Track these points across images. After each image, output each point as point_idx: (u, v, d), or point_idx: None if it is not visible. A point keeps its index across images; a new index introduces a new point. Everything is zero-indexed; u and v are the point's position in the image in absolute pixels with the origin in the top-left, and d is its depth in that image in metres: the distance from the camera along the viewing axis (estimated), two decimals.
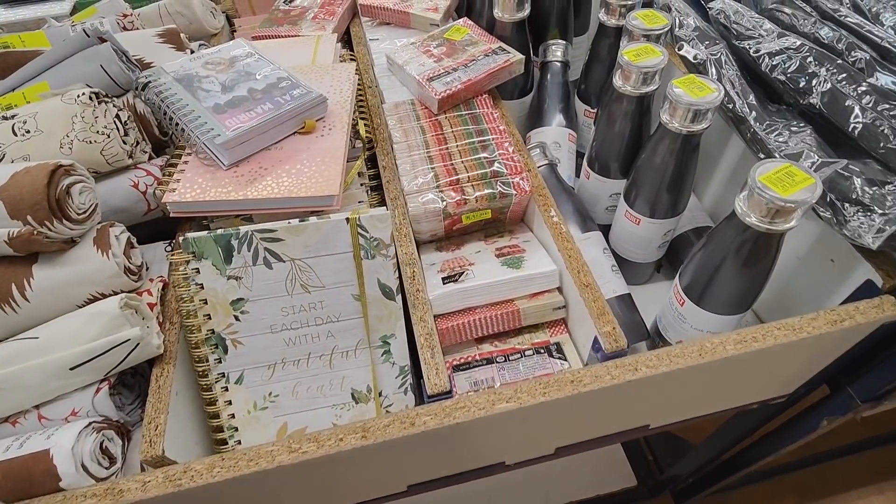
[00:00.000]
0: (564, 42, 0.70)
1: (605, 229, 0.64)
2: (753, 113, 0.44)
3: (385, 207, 0.45)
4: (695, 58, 0.50)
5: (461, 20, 0.66)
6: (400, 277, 0.46)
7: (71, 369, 0.40)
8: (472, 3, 0.74)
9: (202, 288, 0.40)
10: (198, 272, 0.40)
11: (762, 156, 0.44)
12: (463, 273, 0.50)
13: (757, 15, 0.49)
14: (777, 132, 0.43)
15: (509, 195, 0.51)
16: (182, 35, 0.64)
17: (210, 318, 0.40)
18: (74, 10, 0.84)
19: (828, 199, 0.39)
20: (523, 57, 0.60)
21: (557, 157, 0.66)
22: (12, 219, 0.39)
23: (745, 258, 0.41)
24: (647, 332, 0.54)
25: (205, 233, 0.40)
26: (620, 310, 0.54)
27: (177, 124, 0.49)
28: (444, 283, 0.49)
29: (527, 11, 0.63)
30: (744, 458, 0.77)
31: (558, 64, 0.69)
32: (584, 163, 0.61)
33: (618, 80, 0.51)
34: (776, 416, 0.64)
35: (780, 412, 0.63)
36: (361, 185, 0.56)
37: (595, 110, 0.68)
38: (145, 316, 0.44)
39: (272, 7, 0.80)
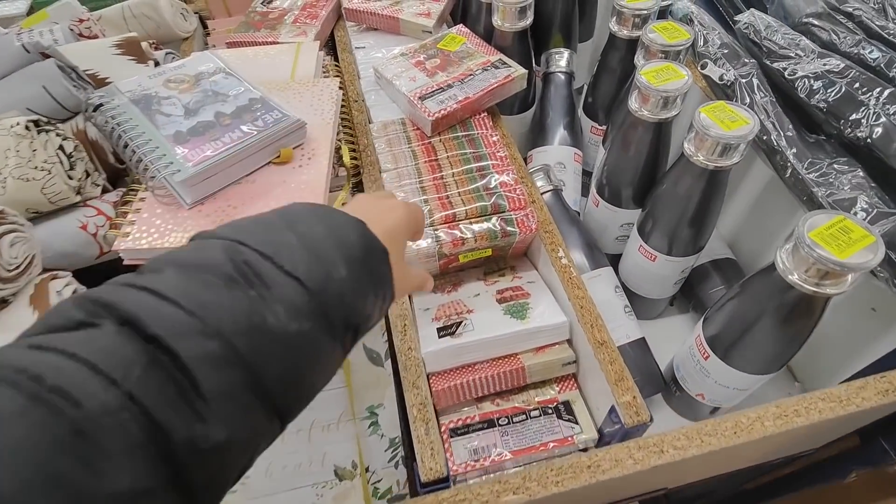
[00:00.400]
0: (569, 51, 0.64)
1: (614, 258, 0.59)
2: (793, 149, 0.38)
3: None
4: (721, 78, 0.44)
5: (456, 28, 0.60)
6: (389, 333, 0.40)
7: None
8: (467, 7, 0.68)
9: None
10: None
11: (803, 197, 0.39)
12: (460, 324, 0.45)
13: (792, 31, 0.43)
14: (820, 171, 0.37)
15: (512, 234, 0.45)
16: (144, 44, 0.57)
17: None
18: (32, 11, 0.76)
19: (885, 256, 0.34)
20: (526, 72, 0.54)
21: (562, 179, 0.60)
22: None
23: (784, 318, 0.36)
24: (663, 381, 0.49)
25: None
26: (635, 357, 0.49)
27: (132, 154, 0.42)
28: (439, 337, 0.43)
29: (529, 20, 0.56)
30: (760, 492, 0.73)
31: (562, 75, 0.63)
32: (593, 188, 0.55)
33: (634, 104, 0.45)
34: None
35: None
36: None
37: (603, 127, 0.62)
38: None
39: (249, 8, 0.73)
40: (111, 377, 0.17)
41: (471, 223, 0.45)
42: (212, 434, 0.18)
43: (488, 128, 0.54)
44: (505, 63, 0.55)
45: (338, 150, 0.51)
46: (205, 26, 0.79)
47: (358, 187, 0.54)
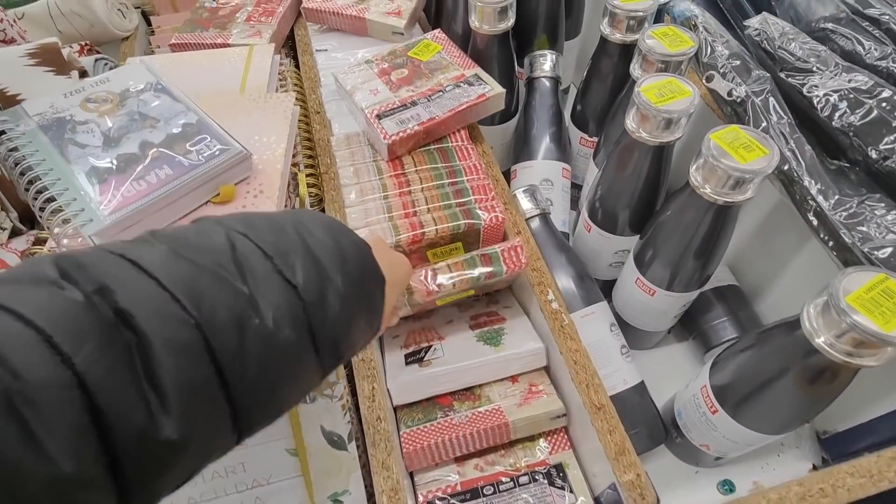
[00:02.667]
0: (554, 53, 0.58)
1: (607, 284, 0.54)
2: (817, 183, 0.33)
3: None
4: (729, 94, 0.39)
5: (432, 33, 0.53)
6: (357, 408, 0.35)
7: None
8: (442, 3, 0.61)
9: None
10: None
11: (828, 241, 0.34)
12: (429, 348, 0.40)
13: (810, 40, 0.38)
14: (850, 211, 0.32)
15: (498, 272, 0.40)
16: (67, 50, 0.50)
17: None
18: None
19: None
20: (503, 91, 0.47)
21: (549, 198, 0.55)
22: None
23: (807, 382, 0.32)
24: (664, 432, 0.44)
25: None
26: (633, 406, 0.44)
27: (35, 196, 0.35)
28: (406, 363, 0.38)
29: (510, 22, 0.50)
30: None
31: (547, 81, 0.57)
32: (584, 212, 0.50)
33: (632, 124, 0.39)
34: None
35: None
36: None
37: (594, 139, 0.56)
38: None
39: (196, 4, 0.65)
40: (60, 349, 0.15)
41: (450, 269, 0.40)
42: (162, 429, 0.16)
43: (464, 139, 0.48)
44: (480, 79, 0.48)
45: (294, 176, 0.44)
46: (149, 23, 0.71)
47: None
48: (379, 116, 0.45)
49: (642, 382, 0.45)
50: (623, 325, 0.51)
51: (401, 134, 0.44)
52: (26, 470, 0.14)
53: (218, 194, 0.37)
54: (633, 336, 0.51)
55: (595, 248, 0.50)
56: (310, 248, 0.22)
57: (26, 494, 0.14)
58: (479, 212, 0.41)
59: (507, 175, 0.59)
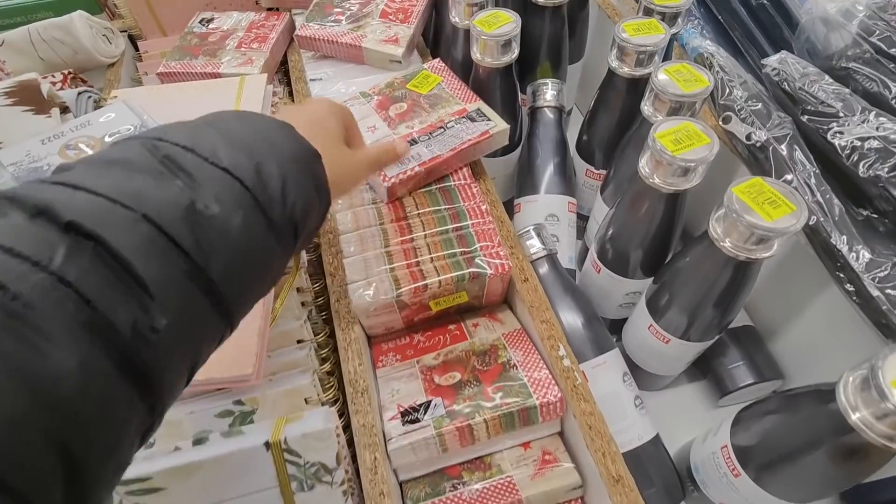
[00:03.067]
0: (559, 82, 0.55)
1: (615, 323, 0.52)
2: (848, 241, 0.31)
3: (326, 410, 0.30)
4: (748, 138, 0.37)
5: (431, 63, 0.51)
6: (354, 462, 0.32)
7: None
8: (440, 29, 0.59)
9: None
10: None
11: (856, 299, 0.32)
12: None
13: (833, 81, 0.36)
14: (885, 272, 0.30)
15: (482, 275, 0.38)
16: (47, 84, 0.47)
17: None
18: None
19: None
20: (507, 127, 0.45)
21: (555, 234, 0.53)
22: None
23: (840, 459, 0.29)
24: (682, 490, 0.42)
25: None
26: (649, 463, 0.42)
27: None
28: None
29: (514, 55, 0.48)
30: None
31: (550, 112, 0.55)
32: (593, 252, 0.47)
33: (645, 169, 0.37)
34: None
35: None
36: (303, 304, 0.41)
37: (601, 172, 0.54)
38: None
39: (185, 28, 0.63)
40: (33, 259, 0.15)
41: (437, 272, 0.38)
42: (155, 320, 0.17)
43: (467, 177, 0.46)
44: (484, 115, 0.46)
45: None
46: (136, 47, 0.68)
47: (317, 266, 0.45)
48: None
49: (657, 436, 0.43)
50: (632, 365, 0.49)
51: (401, 176, 0.42)
52: (36, 368, 0.14)
53: None
54: (643, 377, 0.49)
55: (605, 289, 0.48)
56: (230, 135, 0.22)
57: (51, 396, 0.14)
58: (484, 262, 0.39)
59: (510, 206, 0.57)
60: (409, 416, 0.36)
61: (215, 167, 0.20)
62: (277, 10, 0.63)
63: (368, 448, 0.34)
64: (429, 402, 0.37)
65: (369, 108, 0.47)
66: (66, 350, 0.15)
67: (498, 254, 0.40)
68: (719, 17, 0.52)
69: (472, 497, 0.35)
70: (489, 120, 0.45)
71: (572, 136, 0.57)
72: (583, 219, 0.59)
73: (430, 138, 0.44)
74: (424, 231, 0.42)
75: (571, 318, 0.45)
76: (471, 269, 0.39)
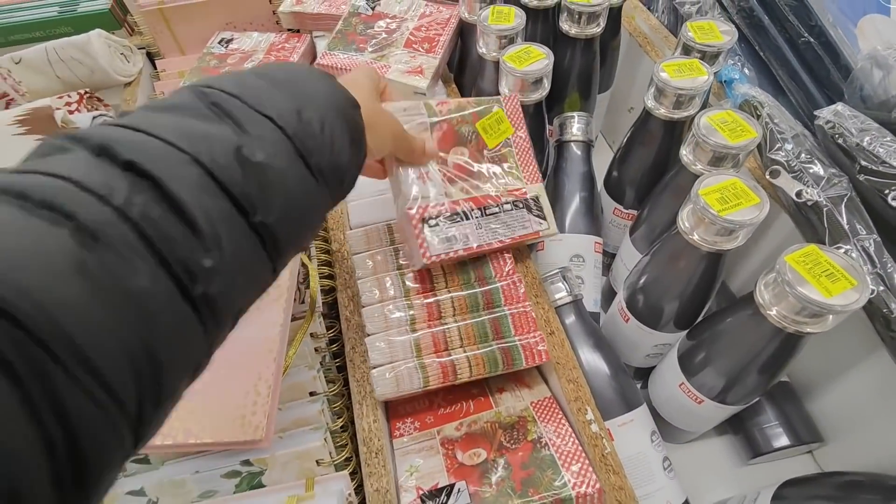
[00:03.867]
0: (587, 115, 0.53)
1: (639, 371, 0.49)
2: None
3: (344, 477, 0.28)
4: (799, 195, 0.34)
5: (508, 103, 0.44)
6: None
7: None
8: (465, 57, 0.57)
9: None
10: None
11: None
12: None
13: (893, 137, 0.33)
14: None
15: (517, 363, 0.36)
16: (59, 113, 0.46)
17: None
18: None
19: None
20: (556, 231, 0.42)
21: (580, 276, 0.50)
22: None
23: None
24: None
25: None
26: None
27: None
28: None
29: (545, 91, 0.46)
30: None
31: (577, 147, 0.53)
32: (622, 300, 0.45)
33: (685, 224, 0.35)
34: None
35: None
36: (317, 350, 0.39)
37: (630, 212, 0.52)
38: None
39: (204, 49, 0.61)
40: (98, 193, 0.16)
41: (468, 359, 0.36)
42: (207, 257, 0.18)
43: (503, 260, 0.42)
44: (540, 207, 0.42)
45: (305, 278, 0.40)
46: (154, 65, 0.67)
47: (332, 316, 0.43)
48: (424, 220, 0.38)
49: (686, 501, 0.41)
50: (657, 417, 0.46)
51: (442, 256, 0.38)
52: (111, 282, 0.16)
53: None
54: (668, 429, 0.47)
55: (632, 339, 0.46)
56: (274, 83, 0.23)
57: (141, 308, 0.16)
58: (521, 352, 0.37)
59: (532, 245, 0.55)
60: (432, 501, 0.33)
61: (259, 114, 0.21)
62: (298, 31, 0.62)
63: None
64: (452, 487, 0.34)
65: (431, 135, 0.41)
66: (136, 272, 0.16)
67: (536, 344, 0.37)
68: (762, 55, 0.49)
69: None
70: (543, 219, 0.41)
71: (598, 167, 0.54)
72: (608, 256, 0.57)
73: (482, 218, 0.40)
74: (454, 313, 0.38)
75: (598, 372, 0.43)
76: (505, 362, 0.36)
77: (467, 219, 0.39)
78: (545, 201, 0.42)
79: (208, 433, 0.30)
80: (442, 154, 0.41)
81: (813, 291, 0.28)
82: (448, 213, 0.39)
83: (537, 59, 0.44)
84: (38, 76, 0.57)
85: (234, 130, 0.20)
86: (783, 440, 0.44)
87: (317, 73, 0.26)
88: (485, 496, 0.32)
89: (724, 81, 0.44)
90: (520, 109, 0.44)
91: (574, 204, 0.52)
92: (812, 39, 0.46)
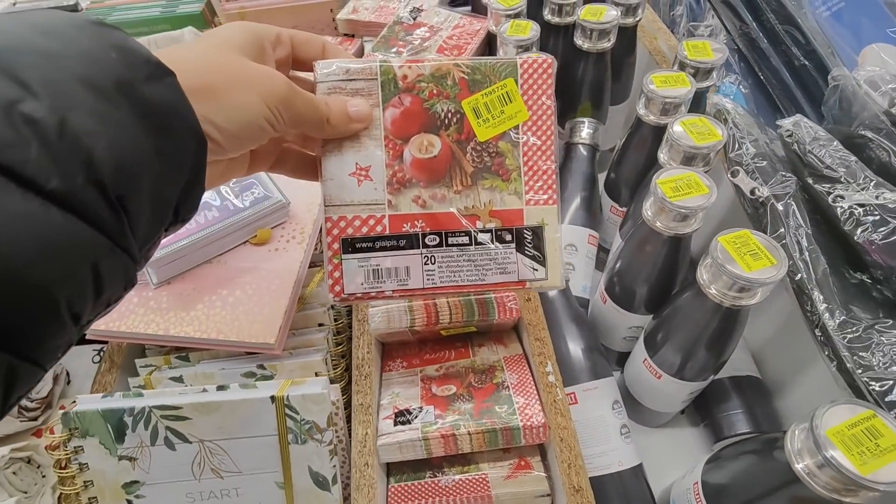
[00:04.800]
0: (596, 122, 0.59)
1: (622, 356, 0.53)
2: (826, 300, 0.33)
3: (325, 380, 0.36)
4: (752, 192, 0.39)
5: (526, 61, 0.30)
6: (348, 451, 0.37)
7: None
8: None
9: (86, 468, 0.32)
10: (81, 451, 0.32)
11: (832, 362, 0.33)
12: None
13: (842, 148, 0.37)
14: (855, 334, 0.31)
15: (490, 316, 0.42)
16: None
17: (96, 501, 0.33)
18: None
19: None
20: (559, 285, 0.32)
21: (571, 263, 0.56)
22: None
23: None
24: None
25: (92, 405, 0.32)
26: (625, 490, 0.43)
27: None
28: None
29: None
30: None
31: (584, 148, 0.58)
32: (602, 284, 0.50)
33: (648, 212, 0.40)
34: None
35: None
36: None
37: (624, 209, 0.57)
38: (41, 465, 0.36)
39: None
40: None
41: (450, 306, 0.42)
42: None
43: None
44: (538, 245, 0.30)
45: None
46: None
47: None
48: (346, 240, 0.29)
49: (640, 465, 0.45)
50: (632, 399, 0.50)
51: (360, 295, 0.29)
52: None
53: (255, 235, 0.41)
54: (642, 412, 0.51)
55: (609, 320, 0.50)
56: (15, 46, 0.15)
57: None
58: (495, 305, 0.42)
59: None
60: (402, 417, 0.40)
61: None
62: (352, 36, 0.71)
63: (362, 424, 0.39)
64: (421, 408, 0.40)
65: (378, 116, 0.29)
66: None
67: (508, 300, 0.43)
68: (759, 75, 0.53)
69: (447, 485, 0.39)
70: (539, 263, 0.30)
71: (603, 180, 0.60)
72: (605, 252, 0.61)
73: (438, 249, 0.29)
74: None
75: (572, 342, 0.48)
76: (481, 314, 0.42)
77: (414, 247, 0.29)
78: (552, 235, 0.30)
79: (234, 334, 0.38)
80: (397, 140, 0.29)
81: (736, 267, 0.33)
82: (386, 234, 0.29)
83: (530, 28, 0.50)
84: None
85: None
86: (743, 427, 0.47)
87: (85, 30, 0.17)
88: (447, 418, 0.39)
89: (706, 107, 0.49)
90: (551, 81, 0.31)
91: (575, 200, 0.58)
92: (808, 63, 0.50)
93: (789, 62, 0.52)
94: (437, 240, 0.29)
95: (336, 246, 0.29)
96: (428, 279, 0.29)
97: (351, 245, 0.29)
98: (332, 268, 0.28)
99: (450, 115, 0.29)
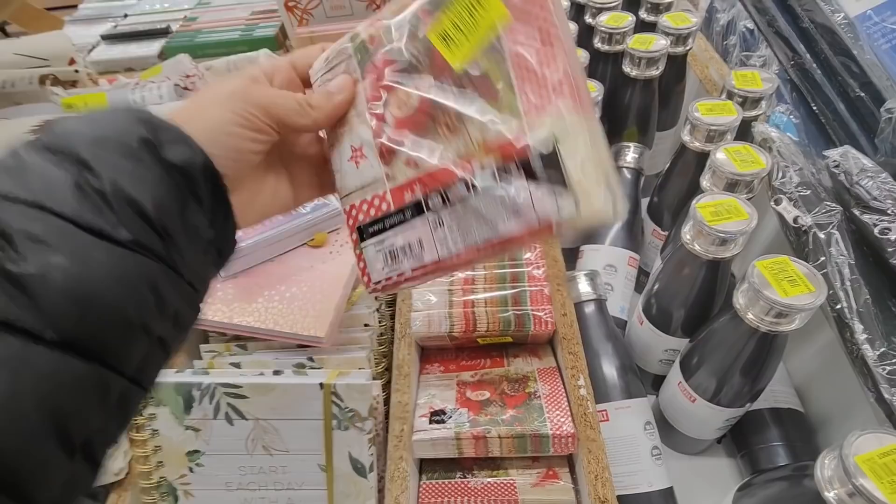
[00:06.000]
0: (641, 147, 0.60)
1: (658, 379, 0.53)
2: (866, 331, 0.32)
3: (369, 373, 0.39)
4: (795, 220, 0.39)
5: None
6: (384, 442, 0.40)
7: None
8: None
9: (157, 434, 0.36)
10: (154, 418, 0.36)
11: (871, 394, 0.33)
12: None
13: (891, 180, 0.37)
14: (894, 365, 0.31)
15: (526, 328, 0.43)
16: None
17: (162, 465, 0.37)
18: (162, 54, 0.87)
19: None
20: (602, 208, 0.22)
21: (610, 283, 0.57)
22: None
23: None
24: None
25: (166, 378, 0.36)
26: None
27: None
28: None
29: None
30: None
31: (628, 172, 0.59)
32: (640, 304, 0.51)
33: (687, 234, 0.41)
34: None
35: None
36: (376, 298, 0.50)
37: (665, 233, 0.57)
38: None
39: None
40: None
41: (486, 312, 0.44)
42: None
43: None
44: (556, 163, 0.21)
45: None
46: None
47: None
48: (361, 229, 0.28)
49: (670, 489, 0.45)
50: (667, 424, 0.50)
51: (386, 282, 0.27)
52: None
53: (313, 238, 0.45)
54: (677, 438, 0.51)
55: (646, 342, 0.51)
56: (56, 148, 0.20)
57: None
58: (531, 319, 0.44)
59: (574, 252, 0.62)
60: (437, 416, 0.42)
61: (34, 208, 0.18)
62: None
63: (399, 420, 0.41)
64: (455, 410, 0.42)
65: (360, 90, 0.26)
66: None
67: (544, 315, 0.45)
68: (812, 105, 0.53)
69: (476, 487, 0.41)
70: (561, 192, 0.21)
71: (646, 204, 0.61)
72: (645, 275, 0.62)
73: (443, 209, 0.24)
74: (485, 285, 0.48)
75: (606, 361, 0.49)
76: (517, 326, 0.44)
77: (420, 214, 0.25)
78: (574, 148, 0.21)
79: (289, 326, 0.41)
80: (371, 106, 0.26)
81: (772, 292, 0.33)
82: (391, 210, 0.26)
83: (589, 91, 0.52)
84: (221, 79, 0.77)
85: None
86: (782, 460, 0.46)
87: (119, 113, 0.21)
88: (479, 420, 0.41)
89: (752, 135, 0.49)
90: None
91: (618, 223, 0.59)
92: (863, 94, 0.50)
93: (844, 93, 0.51)
94: (440, 200, 0.24)
95: (354, 236, 0.27)
96: (442, 248, 0.24)
97: (366, 231, 0.27)
98: (357, 260, 0.28)
99: (419, 56, 0.24)
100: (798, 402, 0.49)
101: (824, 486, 0.28)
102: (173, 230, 0.21)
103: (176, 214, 0.21)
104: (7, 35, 0.93)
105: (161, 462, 0.37)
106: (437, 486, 0.41)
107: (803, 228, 0.38)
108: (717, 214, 0.38)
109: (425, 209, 0.25)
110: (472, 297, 0.47)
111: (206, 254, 0.23)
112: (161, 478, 0.37)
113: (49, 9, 1.17)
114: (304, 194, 0.30)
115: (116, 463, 0.39)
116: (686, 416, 0.47)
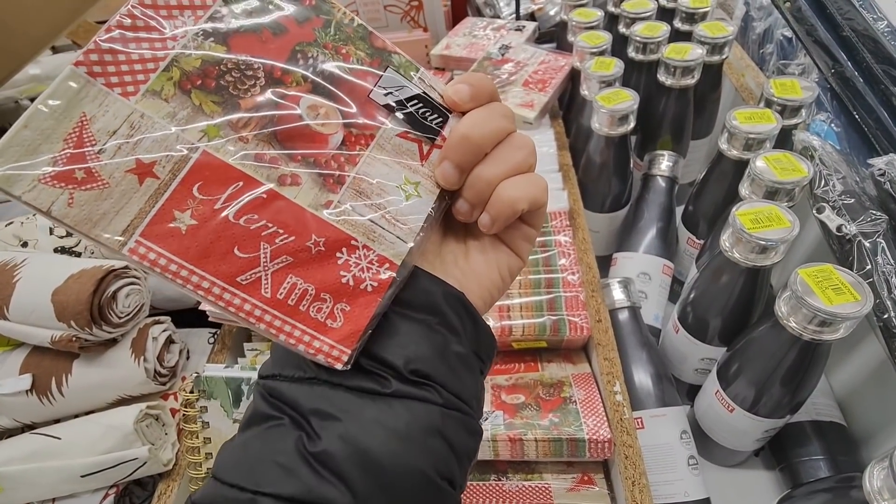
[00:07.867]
0: (676, 155, 0.60)
1: (693, 388, 0.53)
2: None
3: None
4: (839, 229, 0.39)
5: None
6: None
7: (82, 476, 0.40)
8: (573, 98, 0.67)
9: (207, 426, 0.38)
10: (205, 410, 0.38)
11: None
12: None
13: None
14: None
15: (562, 333, 0.44)
16: None
17: (211, 457, 0.38)
18: None
19: None
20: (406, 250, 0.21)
21: (644, 291, 0.56)
22: (59, 321, 0.41)
23: None
24: None
25: (218, 372, 0.38)
26: None
27: None
28: None
29: (630, 126, 0.54)
30: None
31: (662, 180, 0.59)
32: (675, 313, 0.51)
33: (726, 242, 0.41)
34: None
35: None
36: None
37: (701, 242, 0.57)
38: (166, 423, 0.43)
39: None
40: None
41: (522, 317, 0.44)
42: None
43: (563, 228, 0.52)
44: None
45: None
46: None
47: None
48: None
49: (707, 500, 0.44)
50: (703, 435, 0.50)
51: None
52: None
53: None
54: (714, 449, 0.50)
55: (681, 350, 0.51)
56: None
57: None
58: (567, 325, 0.45)
59: (608, 259, 0.62)
60: None
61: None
62: (443, 69, 0.78)
63: None
64: (492, 412, 0.43)
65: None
66: None
67: (580, 320, 0.45)
68: (854, 113, 0.53)
69: (511, 490, 0.41)
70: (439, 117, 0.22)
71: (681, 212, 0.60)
72: (679, 283, 0.61)
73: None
74: (520, 289, 0.49)
75: (641, 369, 0.48)
76: (553, 332, 0.45)
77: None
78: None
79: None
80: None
81: (816, 300, 0.33)
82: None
83: (624, 100, 0.53)
84: None
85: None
86: (822, 474, 0.45)
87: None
88: (515, 423, 0.41)
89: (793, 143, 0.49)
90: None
91: (650, 229, 0.59)
92: None
93: (887, 101, 0.51)
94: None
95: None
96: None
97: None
98: None
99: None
100: (840, 416, 0.48)
101: (874, 497, 0.28)
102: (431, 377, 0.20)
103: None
104: (55, 51, 0.98)
105: (210, 454, 0.38)
106: (472, 487, 0.41)
107: (847, 237, 0.38)
108: (757, 222, 0.38)
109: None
110: (508, 301, 0.47)
111: (467, 374, 0.23)
112: (209, 469, 0.39)
113: (99, 22, 1.23)
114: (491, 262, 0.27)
115: (165, 454, 0.41)
116: (723, 426, 0.46)
